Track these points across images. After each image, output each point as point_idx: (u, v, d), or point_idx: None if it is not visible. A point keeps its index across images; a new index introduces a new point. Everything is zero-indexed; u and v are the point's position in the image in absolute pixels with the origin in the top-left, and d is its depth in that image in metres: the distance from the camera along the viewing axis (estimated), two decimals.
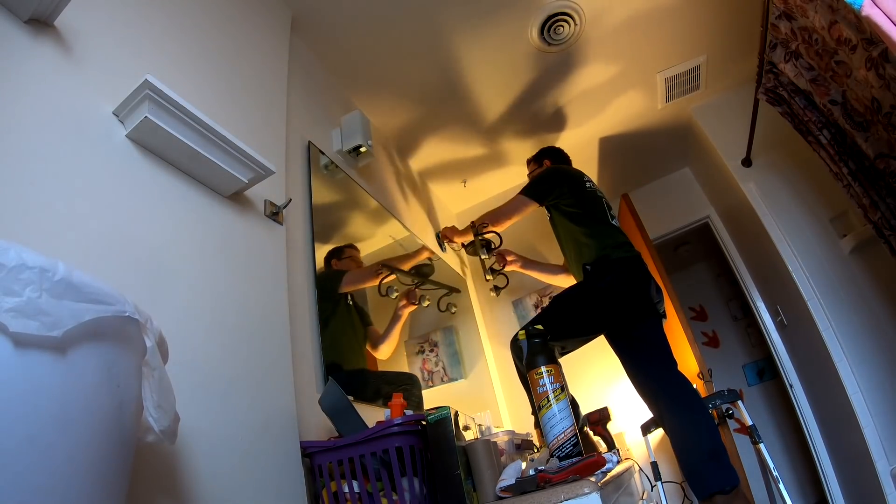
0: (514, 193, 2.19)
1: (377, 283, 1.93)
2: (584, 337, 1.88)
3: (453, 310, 2.53)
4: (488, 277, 2.46)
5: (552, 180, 2.11)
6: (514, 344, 1.84)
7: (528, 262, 2.48)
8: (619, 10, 2.22)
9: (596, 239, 1.89)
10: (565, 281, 2.40)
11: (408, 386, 1.94)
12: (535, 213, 2.31)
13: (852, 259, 2.46)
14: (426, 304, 2.24)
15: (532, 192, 2.12)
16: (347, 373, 1.58)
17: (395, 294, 2.01)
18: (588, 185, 2.08)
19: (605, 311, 1.77)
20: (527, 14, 2.14)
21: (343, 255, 1.82)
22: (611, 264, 1.81)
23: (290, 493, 1.07)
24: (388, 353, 1.93)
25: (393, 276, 2.03)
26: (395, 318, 2.04)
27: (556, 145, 2.98)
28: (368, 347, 1.82)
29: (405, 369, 2.11)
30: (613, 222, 1.99)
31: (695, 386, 1.66)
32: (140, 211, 0.95)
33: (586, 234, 1.92)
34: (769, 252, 2.69)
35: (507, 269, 2.47)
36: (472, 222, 2.31)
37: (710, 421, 1.54)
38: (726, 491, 1.39)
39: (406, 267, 2.19)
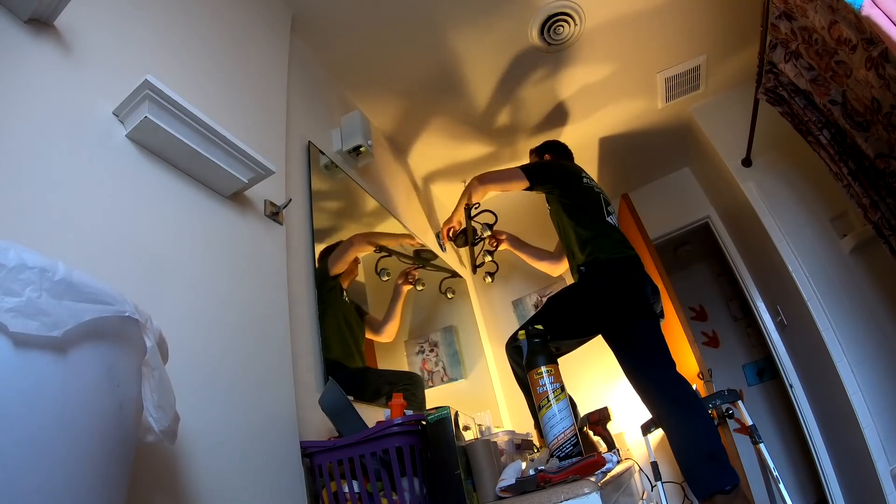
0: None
1: (371, 254, 1.92)
2: (579, 339, 1.88)
3: (450, 295, 2.52)
4: (487, 259, 2.47)
5: (550, 170, 2.10)
6: (511, 345, 1.83)
7: (517, 243, 2.47)
8: (619, 10, 2.22)
9: (590, 238, 1.88)
10: (550, 268, 2.39)
11: (408, 385, 1.94)
12: (537, 204, 2.26)
13: (852, 259, 2.46)
14: (420, 287, 2.23)
15: (529, 170, 2.07)
16: (349, 372, 1.58)
17: (388, 277, 2.01)
18: (585, 180, 2.06)
19: (598, 312, 1.76)
20: (527, 14, 2.14)
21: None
22: (603, 265, 1.81)
23: (290, 493, 1.07)
24: (392, 334, 1.94)
25: (391, 258, 2.06)
26: (395, 297, 2.06)
27: None
28: (369, 334, 1.82)
29: (405, 369, 2.11)
30: (610, 219, 1.97)
31: (694, 387, 1.66)
32: (140, 211, 0.95)
33: (582, 232, 1.90)
34: (769, 252, 2.69)
35: (501, 247, 2.48)
36: (467, 205, 2.24)
37: (709, 422, 1.54)
38: (726, 491, 1.39)
39: (386, 243, 2.14)
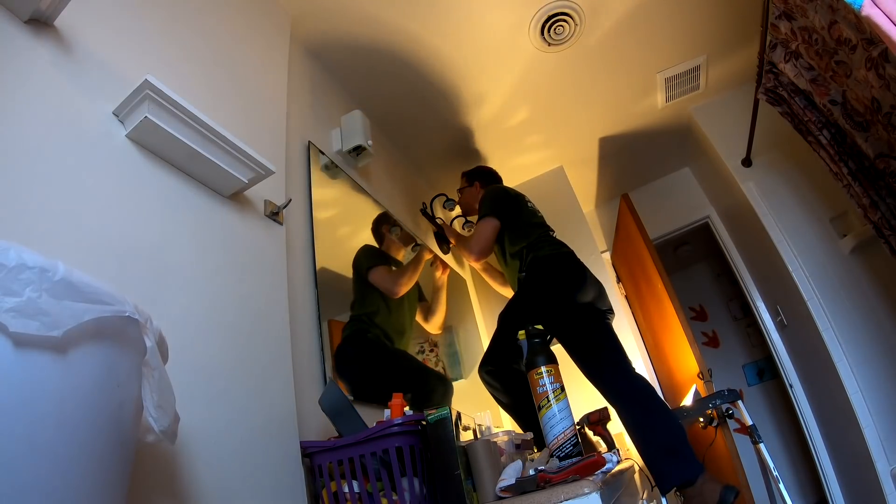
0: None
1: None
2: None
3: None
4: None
5: (504, 198, 2.15)
6: (484, 370, 1.84)
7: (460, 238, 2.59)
8: (619, 10, 2.22)
9: (529, 248, 1.95)
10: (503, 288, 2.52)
11: (423, 386, 1.95)
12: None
13: (852, 259, 2.46)
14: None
15: (492, 211, 2.09)
16: (390, 349, 1.74)
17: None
18: (529, 204, 2.18)
19: (544, 301, 1.77)
20: (527, 14, 2.14)
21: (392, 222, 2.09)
22: (541, 261, 1.87)
23: (290, 493, 1.07)
24: (437, 325, 2.24)
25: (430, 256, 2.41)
26: (437, 290, 2.36)
27: (556, 145, 3.01)
28: (419, 320, 2.04)
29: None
30: (552, 234, 2.07)
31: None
32: (140, 211, 0.95)
33: (523, 247, 1.96)
34: (769, 252, 2.69)
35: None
36: (423, 210, 2.52)
37: (667, 416, 1.51)
38: (690, 482, 1.38)
39: (415, 277, 2.20)
